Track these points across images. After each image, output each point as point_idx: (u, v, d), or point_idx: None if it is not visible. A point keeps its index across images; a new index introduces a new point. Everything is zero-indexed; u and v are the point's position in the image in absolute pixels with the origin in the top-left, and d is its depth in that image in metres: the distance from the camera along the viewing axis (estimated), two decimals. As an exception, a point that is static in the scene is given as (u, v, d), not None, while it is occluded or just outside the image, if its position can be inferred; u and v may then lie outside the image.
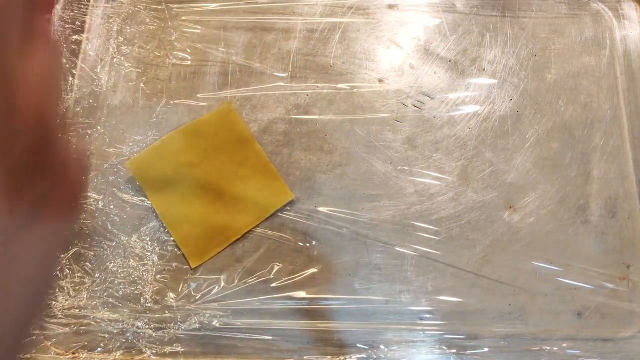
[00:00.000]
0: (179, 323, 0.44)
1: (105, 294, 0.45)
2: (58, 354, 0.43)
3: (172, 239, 0.46)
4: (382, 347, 0.43)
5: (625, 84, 0.51)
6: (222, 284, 0.45)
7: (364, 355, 0.43)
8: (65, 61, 0.50)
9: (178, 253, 0.46)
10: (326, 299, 0.45)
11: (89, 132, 0.49)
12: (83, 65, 0.51)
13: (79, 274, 0.45)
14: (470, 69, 0.52)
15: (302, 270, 0.45)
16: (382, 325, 0.44)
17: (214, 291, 0.45)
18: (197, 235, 0.45)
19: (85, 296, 0.45)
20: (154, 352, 0.43)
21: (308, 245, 0.46)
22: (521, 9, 0.54)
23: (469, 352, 0.43)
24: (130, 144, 0.49)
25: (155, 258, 0.46)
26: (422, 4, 0.54)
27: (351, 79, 0.51)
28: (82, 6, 0.53)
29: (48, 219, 0.20)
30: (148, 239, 0.46)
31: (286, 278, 0.45)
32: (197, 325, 0.44)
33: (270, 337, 0.44)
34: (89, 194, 0.48)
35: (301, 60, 0.52)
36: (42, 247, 0.20)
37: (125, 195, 0.47)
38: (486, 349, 0.43)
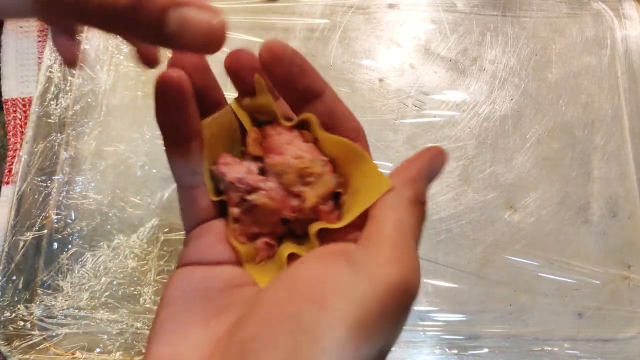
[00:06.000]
0: (178, 323, 0.44)
1: (105, 295, 0.44)
2: (57, 354, 0.43)
3: (171, 238, 0.46)
4: (382, 347, 0.43)
5: (626, 84, 0.51)
6: (222, 284, 0.45)
7: (364, 356, 0.43)
8: (64, 60, 0.50)
9: (178, 253, 0.46)
10: (326, 299, 0.45)
11: (87, 131, 0.49)
12: (82, 65, 0.51)
13: (78, 274, 0.45)
14: (470, 69, 0.52)
15: (302, 271, 0.45)
16: (383, 326, 0.44)
17: (214, 291, 0.45)
18: None
19: (84, 296, 0.44)
20: (154, 352, 0.43)
21: (308, 245, 0.46)
22: (522, 9, 0.54)
23: (469, 352, 0.43)
24: (129, 143, 0.49)
25: (155, 258, 0.45)
26: (423, 3, 0.54)
27: (351, 79, 0.51)
28: (81, 5, 0.52)
29: None
30: (147, 239, 0.46)
31: (286, 278, 0.45)
32: (196, 326, 0.44)
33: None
34: (88, 194, 0.47)
35: (301, 59, 0.52)
36: None
37: (124, 195, 0.47)
38: (486, 349, 0.43)
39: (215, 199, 0.23)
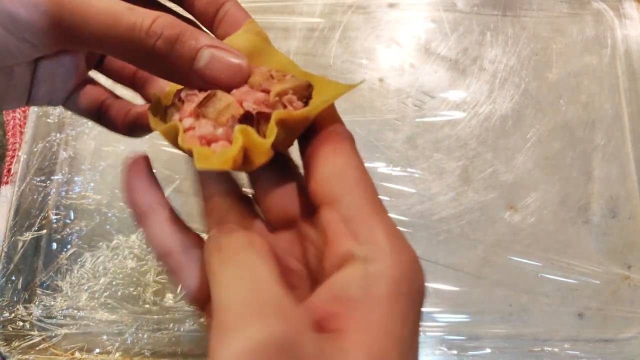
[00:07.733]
0: (177, 324, 0.44)
1: (104, 295, 0.44)
2: (56, 355, 0.43)
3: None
4: (382, 348, 0.43)
5: (626, 84, 0.51)
6: (222, 284, 0.45)
7: (364, 356, 0.43)
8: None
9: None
10: (326, 300, 0.44)
11: (86, 131, 0.49)
12: (81, 64, 0.51)
13: (77, 275, 0.45)
14: (470, 68, 0.51)
15: (302, 271, 0.45)
16: (383, 326, 0.44)
17: (213, 292, 0.44)
18: None
19: (83, 297, 0.44)
20: (153, 353, 0.43)
21: (308, 245, 0.46)
22: (522, 8, 0.54)
23: (470, 353, 0.43)
24: (128, 143, 0.48)
25: (154, 259, 0.45)
26: (423, 2, 0.54)
27: (351, 78, 0.51)
28: (80, 5, 0.52)
29: None
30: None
31: (286, 278, 0.45)
32: (196, 327, 0.44)
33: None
34: (87, 194, 0.47)
35: (301, 59, 0.51)
36: None
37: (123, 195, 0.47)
38: (487, 350, 0.43)
39: (161, 128, 0.21)
